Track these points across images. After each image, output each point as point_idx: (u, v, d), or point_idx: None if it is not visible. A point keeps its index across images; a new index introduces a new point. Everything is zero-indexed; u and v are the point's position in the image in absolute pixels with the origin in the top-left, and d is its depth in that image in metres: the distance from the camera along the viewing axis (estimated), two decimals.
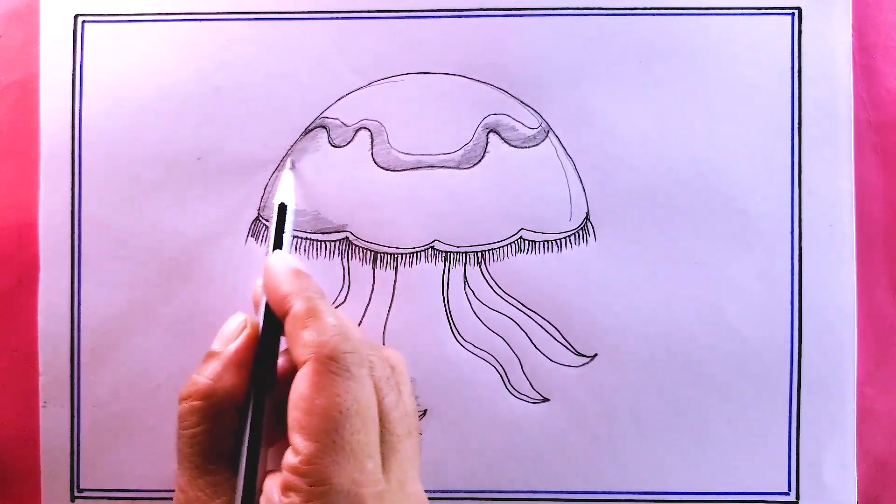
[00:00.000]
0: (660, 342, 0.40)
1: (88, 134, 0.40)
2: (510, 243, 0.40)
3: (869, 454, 0.40)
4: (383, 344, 0.40)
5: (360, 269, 0.40)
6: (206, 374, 0.31)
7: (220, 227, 0.40)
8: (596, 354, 0.40)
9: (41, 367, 0.40)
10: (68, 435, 0.40)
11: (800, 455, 0.40)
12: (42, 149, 0.40)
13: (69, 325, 0.40)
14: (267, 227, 0.40)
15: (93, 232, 0.40)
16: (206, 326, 0.40)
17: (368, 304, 0.40)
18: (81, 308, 0.40)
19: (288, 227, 0.35)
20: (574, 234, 0.40)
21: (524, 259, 0.40)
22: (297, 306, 0.30)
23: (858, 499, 0.40)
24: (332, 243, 0.40)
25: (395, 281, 0.40)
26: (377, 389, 0.29)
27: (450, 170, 0.40)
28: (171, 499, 0.39)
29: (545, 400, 0.40)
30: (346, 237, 0.40)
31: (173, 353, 0.40)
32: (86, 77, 0.40)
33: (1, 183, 0.40)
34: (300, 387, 0.28)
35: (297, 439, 0.27)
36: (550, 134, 0.40)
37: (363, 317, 0.40)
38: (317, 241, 0.40)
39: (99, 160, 0.40)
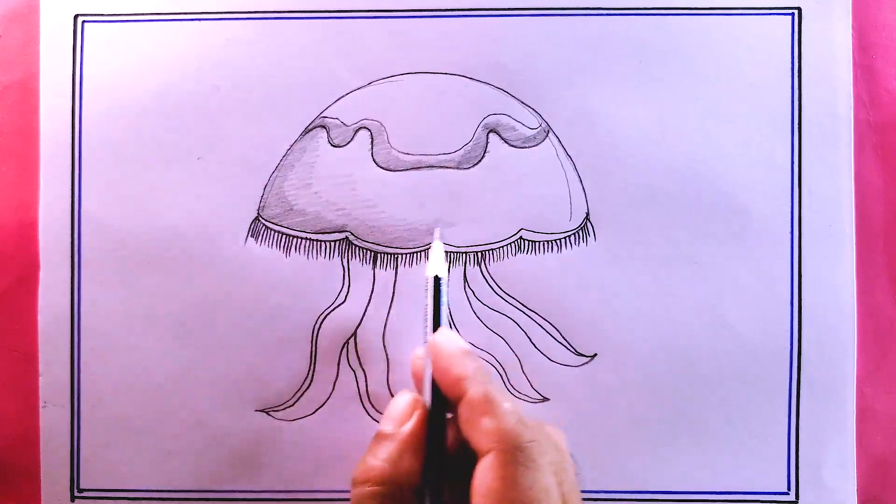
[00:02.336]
0: (659, 342, 0.40)
1: (88, 134, 0.40)
2: (510, 243, 0.40)
3: (868, 454, 0.40)
4: (383, 345, 0.40)
5: (360, 269, 0.40)
6: (382, 458, 0.30)
7: (220, 227, 0.40)
8: (596, 354, 0.40)
9: (41, 367, 0.40)
10: (68, 435, 0.40)
11: (799, 454, 0.40)
12: (42, 149, 0.40)
13: (69, 325, 0.40)
14: (267, 227, 0.40)
15: (93, 232, 0.40)
16: (206, 326, 0.40)
17: (368, 304, 0.40)
18: (81, 308, 0.40)
19: (444, 300, 0.34)
20: (574, 234, 0.40)
21: (524, 259, 0.40)
22: (473, 392, 0.29)
23: (858, 498, 0.40)
24: (332, 243, 0.40)
25: (395, 281, 0.40)
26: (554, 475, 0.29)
27: (450, 170, 0.40)
28: (171, 499, 0.40)
29: (545, 399, 0.40)
30: (346, 237, 0.40)
31: (173, 353, 0.40)
32: (86, 77, 0.40)
33: (1, 183, 0.40)
34: (486, 478, 0.28)
35: None
36: (550, 134, 0.40)
37: (363, 317, 0.40)
38: (317, 241, 0.40)
39: (99, 160, 0.40)
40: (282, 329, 0.40)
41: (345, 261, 0.40)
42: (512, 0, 0.40)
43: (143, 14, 0.40)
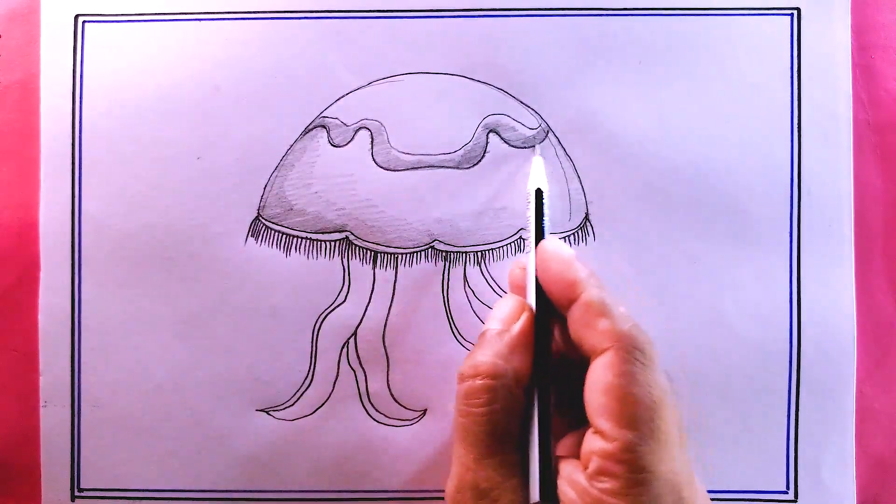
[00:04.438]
0: (659, 342, 0.39)
1: (88, 134, 0.40)
2: (510, 243, 0.40)
3: (868, 454, 0.40)
4: (383, 345, 0.40)
5: (360, 269, 0.40)
6: (492, 354, 0.30)
7: (220, 227, 0.40)
8: None
9: (41, 367, 0.40)
10: (68, 435, 0.40)
11: (798, 454, 0.40)
12: (42, 149, 0.40)
13: (69, 325, 0.40)
14: (267, 227, 0.40)
15: (93, 232, 0.40)
16: (206, 326, 0.40)
17: (368, 304, 0.40)
18: (81, 308, 0.40)
19: (547, 212, 0.35)
20: (573, 233, 0.40)
21: (524, 259, 0.40)
22: (591, 294, 0.30)
23: (857, 498, 0.40)
24: (332, 243, 0.40)
25: (395, 281, 0.40)
26: None
27: (450, 170, 0.40)
28: (171, 499, 0.40)
29: None
30: (346, 237, 0.40)
31: (173, 353, 0.40)
32: (86, 77, 0.40)
33: (1, 183, 0.40)
34: (605, 376, 0.28)
35: (608, 426, 0.27)
36: (550, 134, 0.40)
37: (363, 317, 0.40)
38: (317, 241, 0.40)
39: (99, 160, 0.40)
40: (282, 329, 0.40)
41: (345, 261, 0.40)
42: (512, 0, 0.40)
43: (143, 14, 0.40)
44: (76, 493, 0.40)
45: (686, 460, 0.29)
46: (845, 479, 0.40)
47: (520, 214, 0.40)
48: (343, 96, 0.40)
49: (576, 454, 0.30)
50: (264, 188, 0.40)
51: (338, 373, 0.40)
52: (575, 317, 0.30)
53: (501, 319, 0.32)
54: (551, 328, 0.32)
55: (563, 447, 0.31)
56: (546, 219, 0.35)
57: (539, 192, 0.36)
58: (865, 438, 0.40)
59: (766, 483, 0.40)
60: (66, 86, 0.40)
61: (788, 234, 0.40)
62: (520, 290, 0.35)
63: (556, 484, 0.29)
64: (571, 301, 0.31)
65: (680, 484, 0.27)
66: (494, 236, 0.40)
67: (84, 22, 0.40)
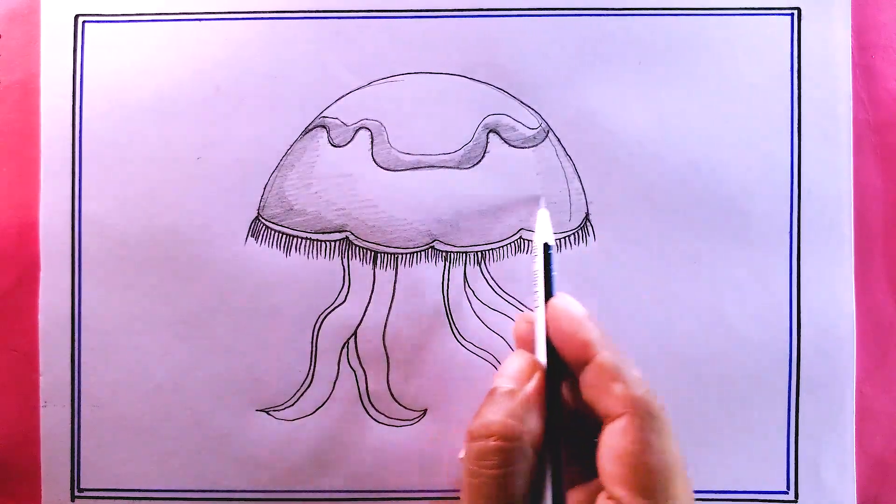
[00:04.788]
0: (659, 342, 0.40)
1: (88, 134, 0.40)
2: (510, 243, 0.40)
3: (868, 453, 0.40)
4: (383, 345, 0.40)
5: (360, 269, 0.40)
6: (504, 414, 0.30)
7: (220, 227, 0.40)
8: None
9: (41, 367, 0.40)
10: (68, 435, 0.40)
11: (798, 454, 0.40)
12: (42, 149, 0.40)
13: (69, 325, 0.40)
14: (267, 227, 0.40)
15: (93, 232, 0.40)
16: (206, 326, 0.40)
17: (368, 304, 0.40)
18: (81, 308, 0.40)
19: (554, 266, 0.34)
20: (573, 233, 0.40)
21: (524, 259, 0.40)
22: (606, 356, 0.30)
23: (857, 498, 0.40)
24: (332, 243, 0.40)
25: (395, 281, 0.40)
26: None
27: (450, 170, 0.40)
28: (171, 499, 0.40)
29: None
30: (346, 237, 0.40)
31: (173, 353, 0.40)
32: (86, 77, 0.40)
33: (1, 183, 0.40)
34: (620, 442, 0.28)
35: (623, 494, 0.27)
36: (550, 134, 0.40)
37: (363, 317, 0.40)
38: (317, 241, 0.40)
39: (99, 160, 0.40)
40: (282, 329, 0.40)
41: (345, 261, 0.40)
42: (512, 0, 0.40)
43: (143, 14, 0.40)
44: (76, 494, 0.40)
45: None
46: (845, 479, 0.40)
47: (520, 215, 0.40)
48: (343, 96, 0.40)
49: None
50: (264, 188, 0.40)
51: (338, 373, 0.40)
52: (588, 379, 0.30)
53: (512, 378, 0.31)
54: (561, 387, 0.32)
55: (571, 501, 0.31)
56: (555, 273, 0.34)
57: (547, 248, 0.34)
58: (865, 438, 0.40)
59: (767, 483, 0.40)
60: (66, 86, 0.40)
61: (788, 234, 0.40)
62: (525, 344, 0.34)
63: None
64: (584, 362, 0.30)
65: None
66: (494, 236, 0.40)
67: (84, 22, 0.40)
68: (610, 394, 0.29)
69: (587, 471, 0.30)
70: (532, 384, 0.31)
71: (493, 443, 0.29)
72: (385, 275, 0.40)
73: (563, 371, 0.31)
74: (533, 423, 0.30)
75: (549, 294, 0.33)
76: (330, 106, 0.40)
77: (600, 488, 0.29)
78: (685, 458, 0.29)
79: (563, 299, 0.33)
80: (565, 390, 0.32)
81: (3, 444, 0.40)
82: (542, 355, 0.32)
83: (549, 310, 0.32)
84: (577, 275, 0.40)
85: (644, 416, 0.28)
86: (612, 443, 0.28)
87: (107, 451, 0.40)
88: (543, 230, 0.35)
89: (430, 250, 0.40)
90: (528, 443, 0.29)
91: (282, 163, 0.40)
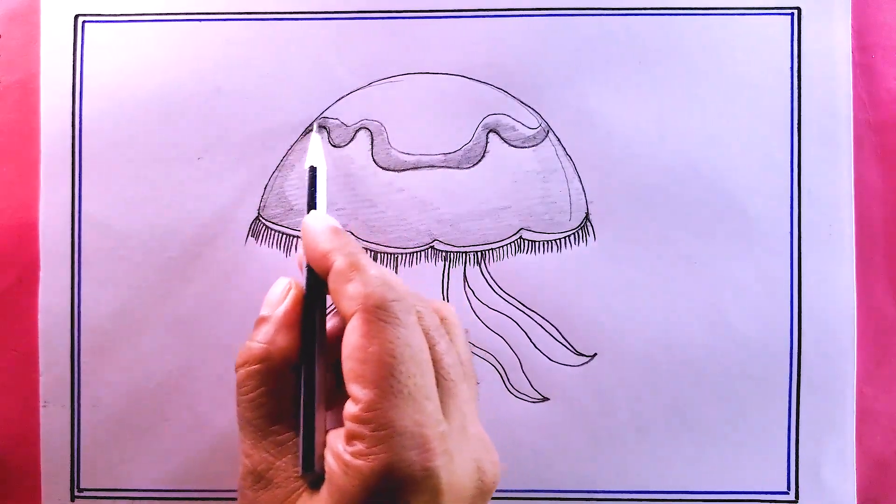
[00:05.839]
0: (660, 342, 0.40)
1: (88, 134, 0.40)
2: (510, 243, 0.40)
3: (868, 454, 0.40)
4: None
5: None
6: (259, 339, 0.31)
7: (220, 227, 0.40)
8: (596, 354, 0.40)
9: (41, 367, 0.40)
10: (68, 435, 0.40)
11: (799, 454, 0.40)
12: (42, 149, 0.40)
13: (69, 325, 0.40)
14: (267, 227, 0.40)
15: (93, 232, 0.40)
16: (206, 326, 0.40)
17: None
18: (81, 308, 0.40)
19: (321, 188, 0.35)
20: (574, 233, 0.40)
21: (524, 259, 0.40)
22: (338, 262, 0.30)
23: (858, 498, 0.40)
24: None
25: None
26: (427, 337, 0.30)
27: (450, 170, 0.40)
28: (171, 499, 0.40)
29: (545, 399, 0.40)
30: None
31: (173, 353, 0.40)
32: (86, 77, 0.40)
33: (1, 183, 0.40)
34: (351, 338, 0.28)
35: (354, 388, 0.28)
36: (550, 134, 0.40)
37: None
38: None
39: (99, 160, 0.40)
40: None
41: None
42: (512, 0, 0.40)
43: (143, 14, 0.40)
44: (76, 494, 0.40)
45: (449, 414, 0.29)
46: (846, 479, 0.40)
47: (520, 214, 0.40)
48: (343, 96, 0.40)
49: None
50: (264, 188, 0.40)
51: None
52: (331, 286, 0.30)
53: (269, 304, 0.32)
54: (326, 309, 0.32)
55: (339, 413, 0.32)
56: (320, 195, 0.35)
57: (313, 169, 0.35)
58: (865, 438, 0.40)
59: (767, 483, 0.40)
60: (66, 86, 0.40)
61: (789, 234, 0.40)
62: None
63: (318, 454, 0.29)
64: (328, 272, 0.30)
65: (426, 436, 0.27)
66: (494, 236, 0.40)
67: (84, 22, 0.40)
68: (345, 294, 0.29)
69: None
70: (283, 306, 0.32)
71: (248, 368, 0.30)
72: None
73: (322, 287, 0.32)
74: (282, 342, 0.31)
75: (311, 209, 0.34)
76: (330, 106, 0.40)
77: None
78: (422, 346, 0.29)
79: (313, 215, 0.33)
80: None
81: (3, 444, 0.40)
82: (302, 275, 0.33)
83: (302, 229, 0.33)
84: (577, 275, 0.40)
85: (371, 309, 0.28)
86: (346, 340, 0.29)
87: (107, 451, 0.40)
88: (313, 152, 0.36)
89: (429, 250, 0.40)
90: (281, 362, 0.30)
91: (282, 163, 0.40)
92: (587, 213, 0.40)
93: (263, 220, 0.40)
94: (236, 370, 0.31)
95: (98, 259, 0.40)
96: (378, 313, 0.28)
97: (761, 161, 0.40)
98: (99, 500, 0.40)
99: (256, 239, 0.40)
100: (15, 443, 0.40)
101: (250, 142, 0.40)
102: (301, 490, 0.29)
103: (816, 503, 0.40)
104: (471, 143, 0.40)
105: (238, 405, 0.31)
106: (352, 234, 0.40)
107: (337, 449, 0.28)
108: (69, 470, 0.40)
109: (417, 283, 0.40)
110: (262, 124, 0.40)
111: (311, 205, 0.35)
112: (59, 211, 0.40)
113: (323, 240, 0.31)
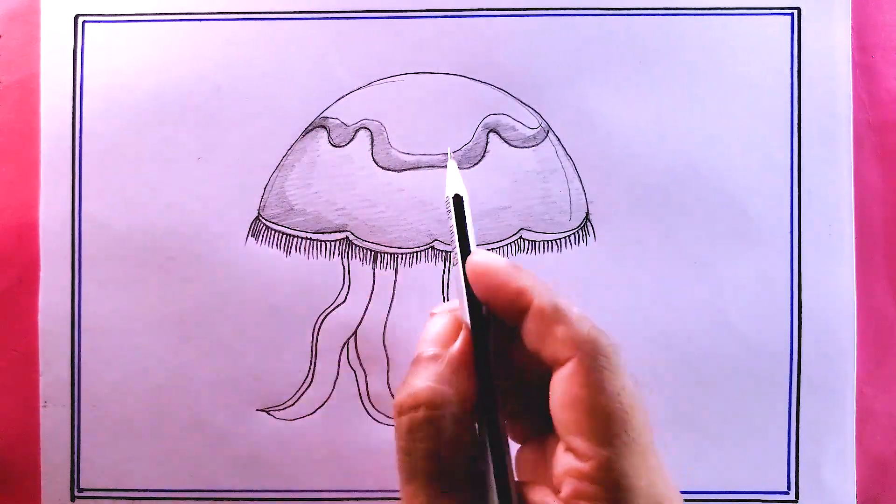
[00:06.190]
0: (660, 342, 0.40)
1: (88, 134, 0.40)
2: (510, 243, 0.40)
3: (868, 454, 0.40)
4: (383, 345, 0.40)
5: (360, 269, 0.40)
6: (431, 381, 0.27)
7: (220, 227, 0.40)
8: None
9: (41, 367, 0.40)
10: (68, 435, 0.40)
11: (799, 454, 0.40)
12: (42, 149, 0.40)
13: (69, 325, 0.40)
14: (267, 227, 0.40)
15: (93, 232, 0.40)
16: (206, 326, 0.40)
17: (368, 304, 0.40)
18: (81, 308, 0.40)
19: (469, 220, 0.31)
20: (574, 233, 0.40)
21: (524, 259, 0.40)
22: (543, 300, 0.27)
23: (858, 498, 0.40)
24: (332, 243, 0.40)
25: (395, 281, 0.40)
26: None
27: None
28: (171, 499, 0.40)
29: None
30: (347, 237, 0.40)
31: (173, 353, 0.40)
32: (86, 77, 0.40)
33: (1, 183, 0.40)
34: (570, 388, 0.26)
35: (579, 443, 0.25)
36: (550, 134, 0.40)
37: (363, 317, 0.40)
38: (317, 241, 0.40)
39: (99, 160, 0.40)
40: (282, 329, 0.40)
41: (345, 261, 0.40)
42: (512, 0, 0.40)
43: (143, 14, 0.40)
44: (76, 494, 0.40)
45: (660, 466, 0.27)
46: (846, 479, 0.40)
47: (520, 214, 0.40)
48: (343, 96, 0.40)
49: (542, 477, 0.28)
50: (264, 188, 0.40)
51: (338, 373, 0.40)
52: (529, 327, 0.27)
53: (434, 341, 0.29)
54: (501, 345, 0.29)
55: (528, 459, 0.30)
56: (470, 227, 0.31)
57: (458, 198, 0.32)
58: (865, 438, 0.40)
59: (767, 483, 0.40)
60: (66, 86, 0.40)
61: (789, 234, 0.40)
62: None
63: (514, 494, 0.27)
64: (521, 311, 0.27)
65: (658, 496, 0.25)
66: (494, 236, 0.40)
67: (84, 22, 0.40)
68: (553, 338, 0.26)
69: (544, 425, 0.28)
70: (457, 345, 0.28)
71: (423, 413, 0.26)
72: (385, 275, 0.40)
73: (489, 327, 0.29)
74: (463, 386, 0.27)
75: (465, 250, 0.30)
76: (330, 106, 0.40)
77: (557, 441, 0.27)
78: (642, 394, 0.27)
79: (482, 253, 0.30)
80: (507, 347, 0.29)
81: (3, 444, 0.40)
82: (465, 315, 0.29)
83: (472, 265, 0.29)
84: (577, 275, 0.40)
85: (592, 356, 0.26)
86: (562, 389, 0.26)
87: (107, 451, 0.40)
88: (453, 180, 0.32)
89: (429, 250, 0.40)
90: (460, 408, 0.27)
91: (282, 163, 0.40)
92: (587, 213, 0.40)
93: (263, 220, 0.40)
94: (401, 412, 0.27)
95: (98, 259, 0.40)
96: (599, 360, 0.26)
97: (761, 161, 0.40)
98: (99, 500, 0.40)
99: (256, 239, 0.40)
100: (15, 443, 0.40)
101: (250, 142, 0.40)
102: None
103: (816, 503, 0.40)
104: (471, 143, 0.40)
105: (408, 454, 0.26)
106: (352, 233, 0.40)
107: None
108: (69, 470, 0.40)
109: (417, 283, 0.40)
110: (262, 124, 0.40)
111: (462, 235, 0.31)
112: (59, 211, 0.40)
113: (516, 276, 0.28)
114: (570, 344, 0.26)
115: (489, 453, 0.27)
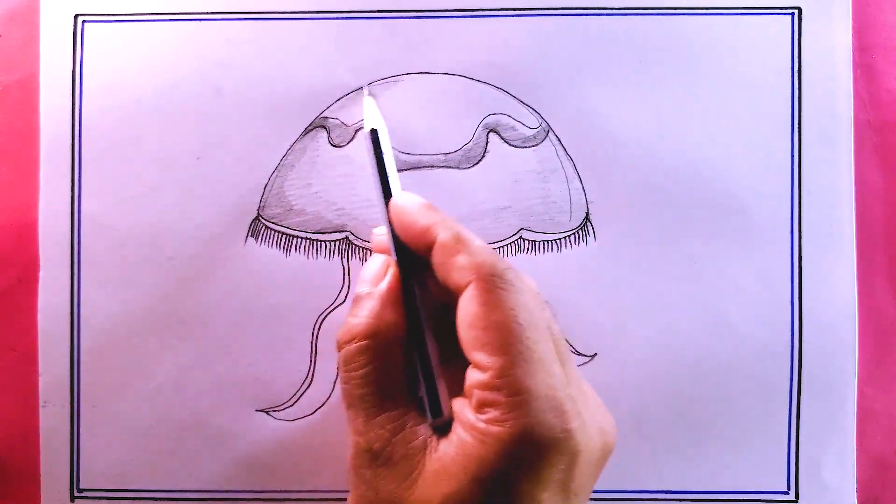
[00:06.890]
0: (660, 342, 0.40)
1: (88, 134, 0.40)
2: (510, 243, 0.40)
3: (869, 454, 0.40)
4: None
5: (360, 269, 0.40)
6: (364, 315, 0.31)
7: (220, 227, 0.40)
8: (596, 354, 0.40)
9: (41, 367, 0.40)
10: (68, 435, 0.40)
11: (799, 454, 0.40)
12: (42, 149, 0.40)
13: (69, 325, 0.40)
14: (267, 227, 0.40)
15: (93, 232, 0.40)
16: (205, 326, 0.40)
17: None
18: (81, 308, 0.40)
19: (388, 154, 0.34)
20: (574, 233, 0.40)
21: (524, 259, 0.40)
22: (443, 235, 0.30)
23: (858, 498, 0.40)
24: (332, 243, 0.40)
25: None
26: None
27: (450, 170, 0.40)
28: (171, 499, 0.40)
29: None
30: (346, 237, 0.40)
31: (173, 353, 0.40)
32: (86, 77, 0.40)
33: (1, 183, 0.40)
34: (469, 308, 0.29)
35: (480, 357, 0.28)
36: (550, 134, 0.40)
37: None
38: (317, 241, 0.40)
39: (99, 160, 0.40)
40: (282, 329, 0.40)
41: (345, 261, 0.40)
42: (512, 0, 0.40)
43: (143, 14, 0.40)
44: (76, 494, 0.40)
45: (568, 377, 0.29)
46: (846, 480, 0.40)
47: (520, 214, 0.40)
48: (343, 96, 0.40)
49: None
50: (264, 188, 0.40)
51: (338, 373, 0.40)
52: (436, 260, 0.30)
53: (368, 281, 0.32)
54: (424, 281, 0.32)
55: (457, 389, 0.31)
56: (389, 160, 0.34)
57: (374, 132, 0.34)
58: (866, 438, 0.40)
59: (767, 483, 0.40)
60: (66, 86, 0.40)
61: (789, 234, 0.40)
62: (386, 252, 0.34)
63: (446, 400, 0.30)
64: (430, 246, 0.31)
65: (560, 399, 0.28)
66: (494, 236, 0.40)
67: (84, 22, 0.40)
68: (456, 267, 0.29)
69: (459, 352, 0.30)
70: (385, 281, 0.32)
71: (356, 344, 0.30)
72: None
73: (416, 263, 0.32)
74: (390, 318, 0.31)
75: (386, 188, 0.34)
76: (330, 106, 0.40)
77: (467, 362, 0.29)
78: (546, 314, 0.30)
79: (401, 194, 0.33)
80: (433, 286, 0.32)
81: (3, 444, 0.40)
82: (392, 253, 0.33)
83: (391, 208, 0.33)
84: (577, 275, 0.40)
85: (487, 278, 0.29)
86: (465, 310, 0.29)
87: (106, 451, 0.40)
88: (370, 115, 0.35)
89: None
90: (390, 337, 0.31)
91: (282, 163, 0.40)
92: (587, 213, 0.40)
93: (263, 220, 0.40)
94: (339, 347, 0.31)
95: (98, 259, 0.40)
96: (495, 281, 0.29)
97: (761, 161, 0.40)
98: (99, 500, 0.40)
99: (256, 239, 0.40)
100: (15, 443, 0.40)
101: (250, 142, 0.40)
102: (422, 465, 0.29)
103: (816, 503, 0.40)
104: (471, 143, 0.40)
105: (346, 382, 0.31)
106: (352, 233, 0.40)
107: (467, 419, 0.28)
108: (69, 470, 0.40)
109: None
110: (262, 124, 0.40)
111: (381, 170, 0.34)
112: (59, 211, 0.40)
113: (421, 216, 0.31)
114: (470, 269, 0.29)
115: (420, 374, 0.30)
